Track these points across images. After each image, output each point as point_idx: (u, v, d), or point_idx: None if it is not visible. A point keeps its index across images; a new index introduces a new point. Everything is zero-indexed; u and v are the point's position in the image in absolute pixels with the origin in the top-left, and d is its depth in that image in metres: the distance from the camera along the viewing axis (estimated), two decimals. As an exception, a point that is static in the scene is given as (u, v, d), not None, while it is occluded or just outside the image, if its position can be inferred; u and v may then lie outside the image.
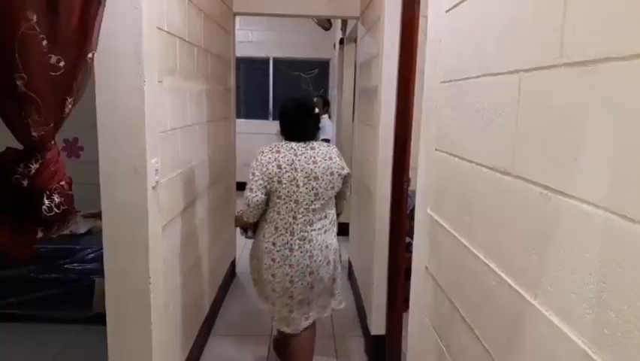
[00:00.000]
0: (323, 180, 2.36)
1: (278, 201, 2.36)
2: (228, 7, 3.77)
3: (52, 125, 1.31)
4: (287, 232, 2.36)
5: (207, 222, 3.15)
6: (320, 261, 2.39)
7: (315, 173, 2.35)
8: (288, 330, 2.54)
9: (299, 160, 2.35)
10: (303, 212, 2.35)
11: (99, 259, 2.75)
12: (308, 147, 2.40)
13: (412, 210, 2.18)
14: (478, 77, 1.26)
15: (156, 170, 1.98)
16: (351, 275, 4.25)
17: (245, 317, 3.61)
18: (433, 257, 1.66)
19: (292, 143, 2.41)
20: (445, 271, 1.53)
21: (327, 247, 2.41)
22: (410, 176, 2.63)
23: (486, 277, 1.18)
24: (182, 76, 2.44)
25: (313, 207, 2.36)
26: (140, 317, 1.99)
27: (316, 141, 2.48)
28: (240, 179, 4.47)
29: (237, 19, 4.18)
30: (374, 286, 3.02)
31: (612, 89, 0.74)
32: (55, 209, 1.37)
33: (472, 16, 1.33)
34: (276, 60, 8.02)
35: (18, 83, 1.17)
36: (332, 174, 2.38)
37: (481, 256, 1.22)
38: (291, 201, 2.34)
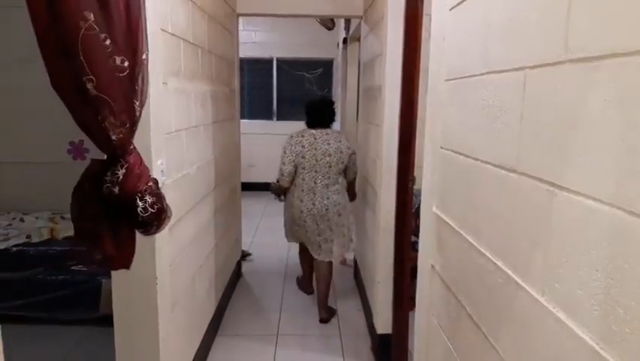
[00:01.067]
0: (334, 156, 3.36)
1: (302, 170, 3.38)
2: (232, 8, 3.78)
3: (127, 126, 1.33)
4: (311, 192, 3.38)
5: (213, 223, 3.16)
6: (334, 212, 3.40)
7: (329, 151, 3.35)
8: (316, 256, 3.53)
9: (317, 141, 3.36)
10: (321, 178, 3.37)
11: (106, 260, 2.76)
12: (324, 133, 3.41)
13: (418, 208, 2.18)
14: (482, 74, 1.26)
15: (162, 171, 1.99)
16: (357, 274, 4.25)
17: (251, 316, 3.62)
18: (439, 255, 1.66)
19: (312, 130, 3.42)
20: (452, 269, 1.53)
21: (339, 203, 3.43)
22: (415, 174, 2.63)
23: (492, 274, 1.18)
24: (186, 77, 2.45)
25: (328, 175, 3.37)
26: (147, 317, 2.00)
27: (331, 128, 3.51)
28: (244, 180, 4.48)
29: (240, 19, 4.19)
30: (380, 284, 3.02)
31: (618, 85, 0.74)
32: (150, 209, 1.41)
33: (476, 13, 1.33)
34: (279, 60, 8.02)
35: (88, 86, 1.19)
36: (341, 152, 3.39)
37: (487, 254, 1.22)
38: (312, 170, 3.37)
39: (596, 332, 0.78)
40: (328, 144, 3.35)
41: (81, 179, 1.41)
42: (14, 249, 3.32)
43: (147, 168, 1.44)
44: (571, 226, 0.85)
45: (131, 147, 1.38)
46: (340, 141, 3.39)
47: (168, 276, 2.12)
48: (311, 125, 3.46)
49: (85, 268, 3.23)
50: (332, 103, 3.59)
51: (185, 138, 2.43)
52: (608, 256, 0.75)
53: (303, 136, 3.38)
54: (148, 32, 1.79)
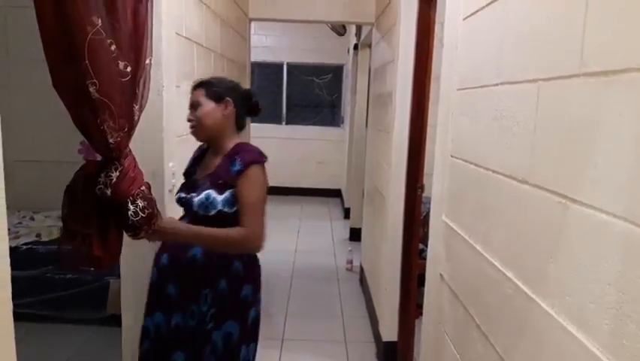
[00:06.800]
0: None
1: None
2: (244, 12, 3.80)
3: (126, 130, 1.34)
4: None
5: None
6: None
7: None
8: None
9: None
10: None
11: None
12: None
13: (426, 216, 2.18)
14: (495, 85, 1.26)
15: (173, 173, 2.00)
16: (362, 280, 4.24)
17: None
18: (447, 264, 1.66)
19: None
20: (460, 279, 1.53)
21: None
22: (424, 182, 2.63)
23: (502, 285, 1.17)
24: (198, 81, 2.46)
25: None
26: (155, 318, 2.00)
27: None
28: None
29: (252, 24, 4.21)
30: (386, 292, 3.01)
31: (633, 100, 0.74)
32: (140, 213, 1.41)
33: (491, 24, 1.33)
34: (289, 65, 8.04)
35: (91, 89, 1.20)
36: None
37: (497, 265, 1.22)
38: None
39: (607, 347, 0.77)
40: None
41: (74, 178, 1.42)
42: (24, 247, 3.35)
43: (141, 172, 1.45)
44: (583, 239, 0.85)
45: (127, 150, 1.39)
46: None
47: (176, 278, 2.12)
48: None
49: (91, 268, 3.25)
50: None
51: (195, 141, 2.43)
52: (621, 271, 0.75)
53: None
54: (162, 36, 1.82)
